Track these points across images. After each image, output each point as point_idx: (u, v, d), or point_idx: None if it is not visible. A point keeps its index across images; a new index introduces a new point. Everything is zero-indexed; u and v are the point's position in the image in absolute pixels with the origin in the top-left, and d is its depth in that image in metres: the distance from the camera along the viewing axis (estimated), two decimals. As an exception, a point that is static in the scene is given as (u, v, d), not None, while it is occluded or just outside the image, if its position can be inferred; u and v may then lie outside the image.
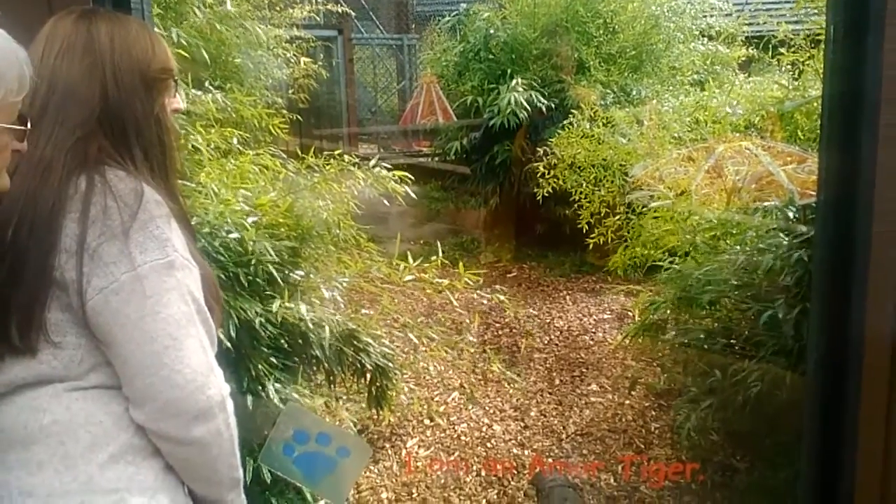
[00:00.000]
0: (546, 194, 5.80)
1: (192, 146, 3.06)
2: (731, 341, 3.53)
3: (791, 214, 3.55)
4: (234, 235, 2.77)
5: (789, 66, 5.47)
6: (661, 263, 4.09)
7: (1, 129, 0.98)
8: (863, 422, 1.61)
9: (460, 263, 3.92)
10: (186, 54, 3.43)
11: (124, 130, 1.18)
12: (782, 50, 5.43)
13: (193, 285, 1.14)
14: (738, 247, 3.64)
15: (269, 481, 2.77)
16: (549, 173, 5.75)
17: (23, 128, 1.02)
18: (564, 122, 6.11)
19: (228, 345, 2.48)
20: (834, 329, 1.69)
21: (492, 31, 7.25)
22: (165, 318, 1.09)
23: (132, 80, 1.19)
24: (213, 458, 1.16)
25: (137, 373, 1.09)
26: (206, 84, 3.69)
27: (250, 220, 2.88)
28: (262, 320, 2.74)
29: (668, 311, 3.95)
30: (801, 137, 4.98)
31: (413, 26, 11.14)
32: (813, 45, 5.02)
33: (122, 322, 1.08)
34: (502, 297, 4.12)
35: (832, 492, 1.73)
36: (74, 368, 1.12)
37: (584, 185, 5.51)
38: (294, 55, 5.56)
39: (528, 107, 6.45)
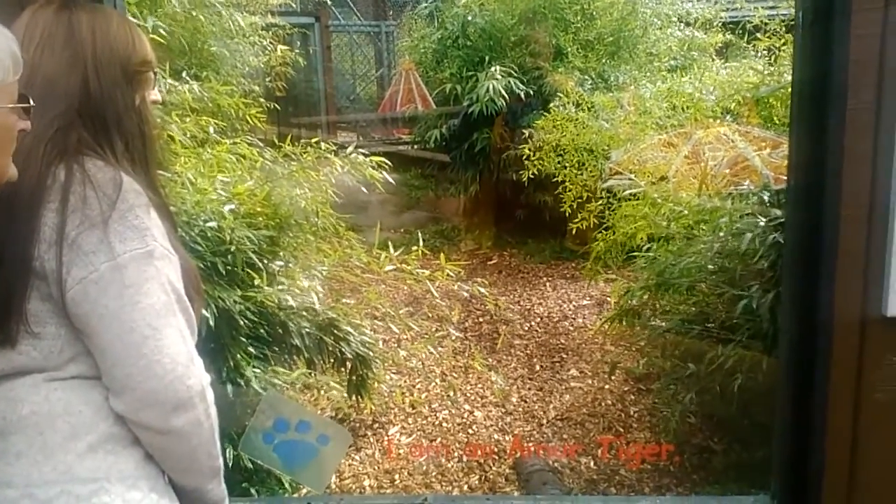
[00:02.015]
0: (531, 176, 5.81)
1: (168, 135, 3.04)
2: (708, 325, 3.57)
3: (766, 199, 3.59)
4: (212, 224, 2.76)
5: (765, 52, 5.52)
6: (638, 254, 4.12)
7: (7, 110, 0.98)
8: (832, 402, 1.64)
9: (442, 255, 3.93)
10: (162, 42, 3.40)
11: (105, 123, 1.17)
12: (758, 35, 5.48)
13: (173, 274, 1.14)
14: (714, 232, 3.68)
15: (249, 470, 2.78)
16: (534, 155, 5.76)
17: (27, 105, 1.02)
18: (545, 107, 6.13)
19: (204, 334, 2.48)
20: (804, 311, 1.72)
21: (469, 18, 7.24)
22: (145, 308, 1.08)
23: (113, 73, 1.19)
24: (193, 448, 1.16)
25: (117, 363, 1.09)
26: (183, 74, 3.67)
27: (227, 208, 2.87)
28: (242, 308, 2.74)
29: (646, 297, 3.99)
30: (777, 122, 5.03)
31: (391, 13, 11.08)
32: (788, 31, 5.07)
33: (101, 312, 1.07)
34: (483, 291, 4.13)
35: (803, 470, 1.76)
36: (54, 359, 1.11)
37: (568, 168, 5.54)
38: (271, 42, 5.53)
39: (506, 94, 6.45)
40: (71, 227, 1.07)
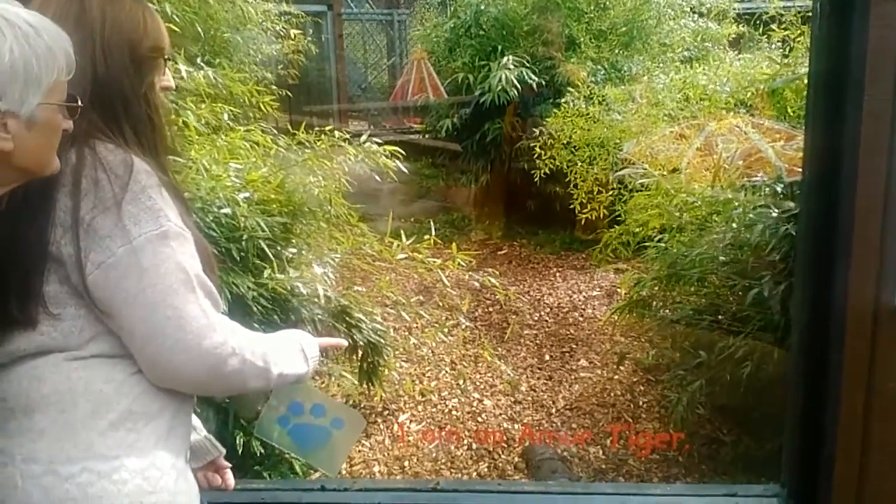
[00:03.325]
0: (543, 175, 5.81)
1: (183, 122, 3.05)
2: (719, 317, 3.57)
3: (779, 191, 3.59)
4: (226, 211, 2.78)
5: (780, 43, 5.48)
6: (649, 245, 4.12)
7: (56, 107, 1.03)
8: (844, 392, 1.64)
9: (454, 244, 3.94)
10: (177, 29, 3.41)
11: (113, 107, 1.17)
12: (773, 26, 5.44)
13: (188, 252, 1.15)
14: (726, 224, 3.67)
15: (261, 454, 2.81)
16: (545, 154, 5.75)
17: (76, 105, 1.06)
18: (555, 99, 6.11)
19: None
20: (817, 302, 1.72)
21: (482, 7, 7.21)
22: (164, 289, 1.10)
23: (121, 58, 1.18)
24: (243, 386, 1.21)
25: (144, 344, 1.12)
26: (198, 60, 3.67)
27: (242, 195, 2.88)
28: (255, 294, 2.76)
29: (656, 288, 3.98)
30: (791, 114, 5.00)
31: (403, 1, 11.05)
32: (803, 22, 5.04)
33: (122, 296, 1.09)
34: (494, 281, 4.14)
35: (814, 459, 1.77)
36: (74, 338, 1.13)
37: (579, 163, 5.52)
38: (283, 29, 5.53)
39: (518, 84, 6.43)
40: (85, 210, 1.08)
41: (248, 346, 1.19)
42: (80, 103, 1.06)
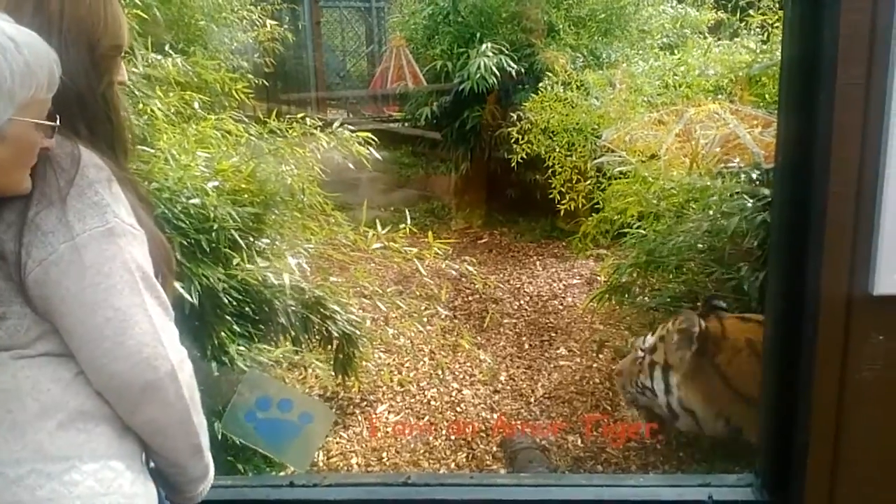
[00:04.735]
0: (520, 160, 5.77)
1: (151, 111, 2.99)
2: (697, 303, 3.57)
3: (755, 177, 3.58)
4: (195, 201, 2.72)
5: (758, 29, 5.48)
6: (628, 231, 4.10)
7: (32, 125, 1.01)
8: (817, 380, 1.63)
9: (430, 233, 3.90)
10: (146, 16, 3.34)
11: (68, 107, 1.11)
12: (751, 12, 5.44)
13: (137, 251, 1.11)
14: (704, 210, 3.67)
15: (236, 447, 2.77)
16: (522, 139, 5.71)
17: (52, 123, 1.04)
18: (535, 85, 6.07)
19: (188, 312, 2.45)
20: (791, 289, 1.71)
21: (460, -7, 7.16)
22: (107, 289, 1.06)
23: (79, 54, 1.13)
24: (163, 428, 1.15)
25: (81, 346, 1.08)
26: (167, 48, 3.60)
27: (211, 185, 2.83)
28: (226, 286, 2.71)
29: (635, 275, 3.97)
30: (769, 100, 5.00)
31: (381, -12, 10.95)
32: (781, 7, 5.03)
33: (62, 294, 1.05)
34: (472, 269, 4.10)
35: (788, 448, 1.76)
36: (20, 337, 1.09)
37: (557, 149, 5.48)
38: (259, 17, 5.45)
39: (497, 72, 6.39)
40: (30, 206, 1.04)
41: (187, 390, 1.14)
42: (58, 122, 1.04)
